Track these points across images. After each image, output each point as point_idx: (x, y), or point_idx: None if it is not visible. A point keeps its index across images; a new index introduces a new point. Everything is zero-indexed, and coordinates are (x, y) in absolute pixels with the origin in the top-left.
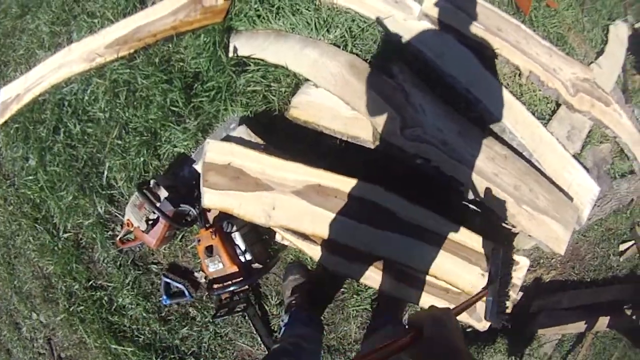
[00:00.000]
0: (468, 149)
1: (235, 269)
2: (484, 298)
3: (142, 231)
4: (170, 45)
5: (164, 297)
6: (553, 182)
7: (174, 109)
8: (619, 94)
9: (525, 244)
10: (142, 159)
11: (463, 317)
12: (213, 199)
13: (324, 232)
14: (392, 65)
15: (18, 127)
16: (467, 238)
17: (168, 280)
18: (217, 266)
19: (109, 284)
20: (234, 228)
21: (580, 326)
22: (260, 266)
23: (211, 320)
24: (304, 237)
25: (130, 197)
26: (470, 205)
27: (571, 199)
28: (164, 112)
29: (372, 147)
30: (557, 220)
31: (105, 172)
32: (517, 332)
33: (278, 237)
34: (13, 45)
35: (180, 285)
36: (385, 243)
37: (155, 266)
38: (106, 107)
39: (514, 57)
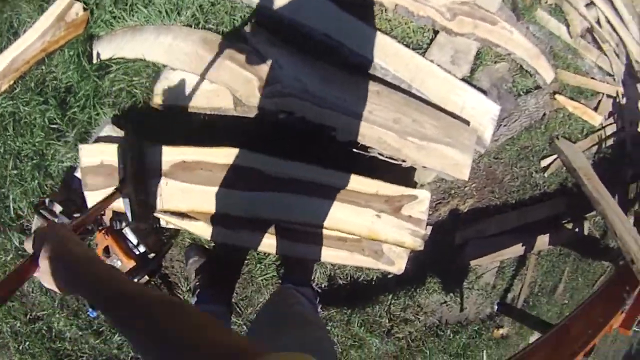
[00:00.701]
0: (333, 93)
1: (132, 263)
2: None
3: None
4: (44, 67)
5: (90, 310)
6: (441, 109)
7: (53, 126)
8: (508, 12)
9: (426, 177)
10: (36, 182)
11: (371, 264)
12: (96, 200)
13: (197, 206)
14: (244, 30)
15: None
16: (353, 182)
17: None
18: (117, 264)
19: (42, 313)
20: (123, 224)
21: (517, 249)
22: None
23: None
24: (183, 215)
25: (34, 221)
26: (353, 149)
27: (467, 122)
28: (45, 132)
29: (236, 113)
30: (451, 145)
31: (11, 205)
32: (446, 269)
33: (163, 222)
34: None
35: None
36: (262, 204)
37: None
38: None
39: None
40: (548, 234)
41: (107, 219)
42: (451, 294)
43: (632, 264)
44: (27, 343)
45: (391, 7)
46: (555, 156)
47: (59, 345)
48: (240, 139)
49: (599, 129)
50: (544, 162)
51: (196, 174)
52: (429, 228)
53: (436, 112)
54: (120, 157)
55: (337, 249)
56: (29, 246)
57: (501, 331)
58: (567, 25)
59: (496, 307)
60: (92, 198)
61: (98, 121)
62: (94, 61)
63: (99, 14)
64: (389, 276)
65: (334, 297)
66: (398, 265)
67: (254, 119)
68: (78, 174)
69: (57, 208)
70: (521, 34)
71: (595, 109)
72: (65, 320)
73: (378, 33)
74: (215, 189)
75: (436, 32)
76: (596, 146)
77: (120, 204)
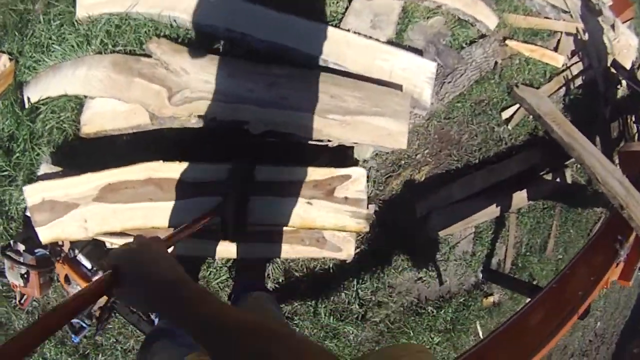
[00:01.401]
0: (240, 85)
1: None
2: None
3: (23, 287)
4: None
5: (73, 336)
6: (366, 78)
7: (3, 174)
8: None
9: (364, 152)
10: (1, 227)
11: (315, 254)
12: (45, 234)
13: (130, 224)
14: (147, 44)
15: None
16: (275, 173)
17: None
18: (77, 289)
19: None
20: (77, 251)
21: (491, 211)
22: None
23: (115, 340)
24: (122, 234)
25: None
26: (271, 139)
27: (400, 87)
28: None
29: (152, 127)
30: (379, 114)
31: None
32: (412, 244)
33: (107, 244)
34: None
35: (75, 320)
36: (187, 211)
37: None
38: None
39: None
40: (525, 189)
41: (66, 248)
42: (425, 269)
43: (621, 209)
44: None
45: None
46: (517, 106)
47: None
48: (164, 151)
49: (564, 70)
50: (506, 114)
51: (121, 193)
52: (373, 206)
53: (357, 83)
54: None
55: (276, 243)
56: (110, 261)
57: (491, 299)
58: None
59: (480, 275)
60: (42, 232)
61: (39, 160)
62: (26, 106)
63: (23, 61)
64: (347, 261)
65: (294, 290)
66: (346, 251)
67: (171, 129)
68: (28, 213)
69: (20, 247)
70: None
71: (555, 49)
72: (55, 350)
73: (282, 14)
74: (141, 204)
75: (351, 0)
76: (563, 88)
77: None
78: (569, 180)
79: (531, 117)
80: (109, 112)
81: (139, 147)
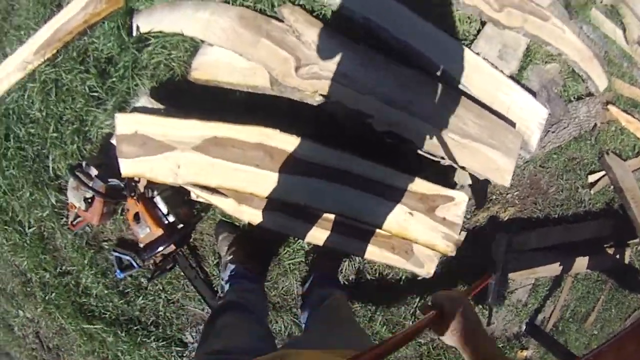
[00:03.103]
0: (372, 78)
1: (160, 231)
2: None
3: (83, 211)
4: (85, 38)
5: (118, 271)
6: (486, 107)
7: (93, 94)
8: (560, 9)
9: (464, 177)
10: (75, 145)
11: (399, 264)
12: (128, 168)
13: (227, 183)
14: (281, 8)
15: None
16: (388, 175)
17: (117, 255)
18: (146, 230)
19: (72, 268)
20: (155, 192)
21: (554, 268)
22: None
23: (162, 288)
24: (213, 190)
25: (69, 182)
26: (389, 140)
27: (513, 124)
28: (86, 99)
29: (272, 92)
30: (494, 147)
31: (51, 165)
32: (480, 277)
33: (193, 195)
34: None
35: (127, 257)
36: (293, 188)
37: (106, 243)
38: (41, 106)
39: None
40: (588, 257)
41: (141, 186)
42: (480, 306)
43: None
44: (54, 294)
45: None
46: (603, 172)
47: (84, 300)
48: (275, 118)
49: None
50: (592, 178)
51: (227, 151)
52: (464, 234)
53: (481, 110)
54: (495, 247)
55: (366, 242)
56: (436, 299)
57: (525, 353)
58: (624, 29)
59: (524, 326)
60: (125, 165)
61: (136, 92)
62: (134, 34)
63: None
64: (419, 278)
65: (360, 292)
66: (427, 269)
67: (290, 99)
68: (113, 141)
69: (93, 171)
70: (574, 34)
71: None
72: (93, 278)
73: (421, 19)
74: (245, 167)
75: (483, 24)
76: None
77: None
78: (626, 260)
79: (612, 187)
80: (225, 64)
81: (251, 108)
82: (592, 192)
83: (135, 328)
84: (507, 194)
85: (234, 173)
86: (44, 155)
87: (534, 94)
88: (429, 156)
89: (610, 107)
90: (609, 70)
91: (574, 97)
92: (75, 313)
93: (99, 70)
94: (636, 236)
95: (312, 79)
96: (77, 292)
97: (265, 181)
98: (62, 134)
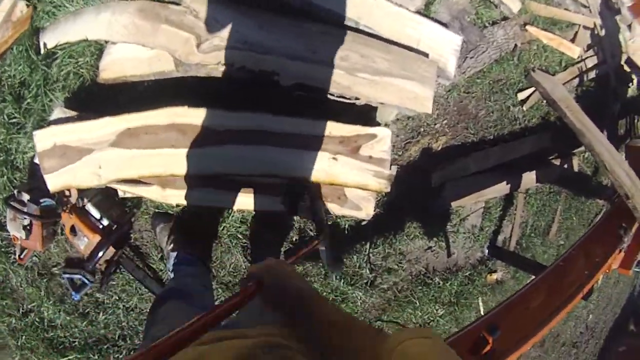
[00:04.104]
0: (272, 37)
1: (97, 237)
2: (318, 248)
3: (25, 240)
4: None
5: (73, 293)
6: (394, 43)
7: (12, 121)
8: None
9: (389, 115)
10: (5, 177)
11: (335, 210)
12: (54, 182)
13: (147, 170)
14: None
15: None
16: (303, 126)
17: (67, 276)
18: (84, 241)
19: (32, 304)
20: (85, 200)
21: (502, 188)
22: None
23: (118, 298)
24: (137, 182)
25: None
26: (300, 93)
27: (426, 55)
28: (7, 128)
29: (178, 74)
30: (407, 78)
31: None
32: (426, 213)
33: (120, 193)
34: None
35: (78, 276)
36: (212, 159)
37: (55, 268)
38: None
39: None
40: (535, 171)
41: (73, 199)
42: (435, 239)
43: (627, 199)
44: (24, 337)
45: None
46: (532, 89)
47: (52, 334)
48: (187, 99)
49: (579, 61)
50: (521, 95)
51: (141, 139)
52: (395, 168)
53: (387, 46)
54: (314, 209)
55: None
56: (253, 271)
57: (495, 276)
58: None
59: (486, 250)
60: (50, 180)
61: (52, 107)
62: (42, 52)
63: (42, 7)
64: (363, 223)
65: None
66: (366, 210)
67: (198, 77)
68: (37, 160)
69: (25, 197)
70: None
71: (572, 40)
72: (53, 308)
73: None
74: (161, 150)
75: None
76: (577, 79)
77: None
78: (575, 168)
79: (545, 101)
80: (130, 58)
81: (160, 94)
82: (524, 108)
83: (105, 347)
84: (435, 124)
85: (152, 159)
86: None
87: (445, 25)
88: (343, 100)
89: (528, 27)
90: None
91: (489, 23)
92: (48, 350)
93: (14, 97)
94: (579, 144)
95: (214, 51)
96: (43, 328)
97: (183, 159)
98: None
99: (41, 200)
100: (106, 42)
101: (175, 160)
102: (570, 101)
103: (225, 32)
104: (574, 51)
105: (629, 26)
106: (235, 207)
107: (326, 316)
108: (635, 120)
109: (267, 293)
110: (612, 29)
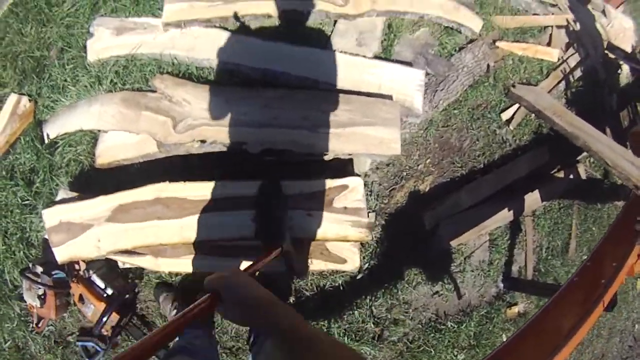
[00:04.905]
0: (238, 110)
1: (103, 305)
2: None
3: (40, 308)
4: (10, 157)
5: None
6: (354, 93)
7: (25, 202)
8: None
9: (362, 164)
10: (22, 252)
11: (320, 266)
12: (62, 254)
13: (140, 241)
14: (152, 80)
15: None
16: (272, 188)
17: (81, 344)
18: (91, 309)
19: None
20: (91, 272)
21: (504, 216)
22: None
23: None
24: (133, 253)
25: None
26: (269, 158)
27: (390, 97)
28: (21, 209)
29: (161, 155)
30: (370, 124)
31: (7, 277)
32: (424, 256)
33: (120, 264)
34: None
35: (91, 344)
36: (192, 228)
37: (70, 337)
38: None
39: (255, 8)
40: (537, 190)
41: (82, 270)
42: (440, 282)
43: (636, 189)
44: None
45: (275, 14)
46: (516, 105)
47: None
48: (172, 176)
49: (560, 64)
50: (506, 115)
51: (132, 213)
52: (372, 215)
53: (347, 97)
54: (275, 211)
55: (277, 258)
56: (210, 284)
57: (516, 309)
58: None
59: (501, 284)
60: (59, 252)
61: (58, 190)
62: (46, 141)
63: (42, 102)
64: (358, 277)
65: (304, 310)
66: (352, 263)
67: (179, 156)
68: (46, 236)
69: (39, 269)
70: None
71: (548, 44)
72: None
73: (272, 43)
74: (149, 223)
75: (335, 22)
76: (563, 82)
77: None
78: (583, 176)
79: (532, 114)
80: (120, 144)
81: (149, 173)
82: (511, 128)
83: None
84: (418, 165)
85: (142, 231)
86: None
87: (410, 64)
88: (313, 158)
89: (498, 43)
90: (484, 11)
91: (455, 50)
92: None
93: (26, 181)
94: (581, 151)
95: (188, 130)
96: None
97: (169, 230)
98: (9, 245)
99: (53, 272)
100: (99, 130)
101: (162, 231)
102: (556, 106)
103: (196, 112)
104: (552, 55)
105: (603, 12)
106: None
107: (290, 323)
108: (638, 108)
109: (226, 303)
110: (587, 20)
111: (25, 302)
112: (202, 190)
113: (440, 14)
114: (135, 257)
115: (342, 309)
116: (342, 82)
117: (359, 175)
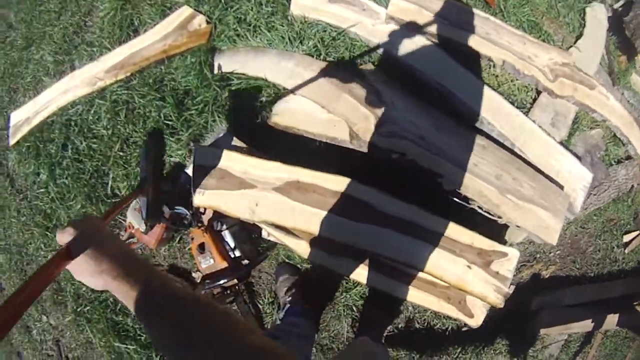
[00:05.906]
0: (444, 140)
1: (225, 264)
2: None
3: (142, 232)
4: (162, 67)
5: None
6: (539, 170)
7: (167, 122)
8: (604, 76)
9: (517, 236)
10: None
11: (453, 313)
12: (201, 199)
13: (304, 226)
14: (363, 67)
15: (29, 146)
16: (452, 230)
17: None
18: (209, 262)
19: None
20: (224, 226)
21: (587, 325)
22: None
23: None
24: (287, 231)
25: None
26: (454, 198)
27: (561, 187)
28: (159, 126)
29: (351, 146)
30: (545, 208)
31: (110, 182)
32: (518, 332)
33: (264, 233)
34: (21, 74)
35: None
36: (365, 235)
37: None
38: (108, 124)
39: (484, 48)
40: (618, 314)
41: (205, 218)
42: (515, 359)
43: None
44: (88, 308)
45: (499, 63)
46: (637, 232)
47: (121, 319)
48: (351, 170)
49: None
50: (627, 237)
51: (309, 196)
52: (512, 287)
53: (535, 174)
54: (142, 158)
55: (426, 292)
56: (61, 238)
57: None
58: None
59: None
60: (199, 197)
61: (213, 127)
62: (215, 72)
63: (222, 29)
64: (463, 329)
65: (407, 339)
66: (476, 319)
67: (367, 153)
68: (187, 170)
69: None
70: (616, 100)
71: None
72: None
73: (486, 87)
74: (324, 213)
75: (539, 93)
76: None
77: (230, 208)
78: None
79: None
80: (305, 114)
81: (330, 159)
82: (626, 251)
83: None
84: (550, 252)
85: (313, 217)
86: (102, 171)
87: (579, 158)
88: (488, 215)
89: None
90: None
91: (615, 161)
92: (107, 330)
93: (176, 101)
94: None
95: (391, 137)
96: (114, 310)
97: (341, 228)
98: (127, 155)
99: (176, 207)
100: (284, 88)
101: (332, 226)
102: None
103: (404, 122)
104: None
105: None
106: (367, 283)
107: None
108: None
109: (83, 260)
110: None
111: (126, 219)
112: (385, 203)
113: (619, 124)
114: (289, 237)
115: (436, 350)
116: (532, 155)
117: (508, 243)
